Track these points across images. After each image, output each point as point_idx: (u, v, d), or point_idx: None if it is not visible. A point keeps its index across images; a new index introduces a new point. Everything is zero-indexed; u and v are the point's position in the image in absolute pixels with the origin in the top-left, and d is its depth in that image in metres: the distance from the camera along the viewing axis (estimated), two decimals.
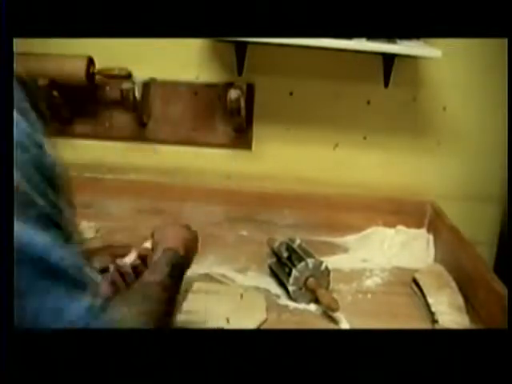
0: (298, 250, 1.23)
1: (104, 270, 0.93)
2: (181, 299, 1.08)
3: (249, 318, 1.09)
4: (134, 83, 1.43)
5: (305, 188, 1.53)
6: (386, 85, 1.47)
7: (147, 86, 1.47)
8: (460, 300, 1.17)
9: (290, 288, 1.18)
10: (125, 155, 1.54)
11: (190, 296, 1.14)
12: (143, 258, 0.96)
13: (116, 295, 0.73)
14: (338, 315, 1.12)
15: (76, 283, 0.57)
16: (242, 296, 1.16)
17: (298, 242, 1.27)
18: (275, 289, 1.23)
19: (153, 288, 0.76)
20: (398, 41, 1.31)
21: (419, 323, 1.12)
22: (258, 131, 1.53)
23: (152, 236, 0.99)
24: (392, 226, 1.49)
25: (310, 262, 1.18)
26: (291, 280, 1.17)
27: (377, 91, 1.49)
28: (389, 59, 1.43)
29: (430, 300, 1.16)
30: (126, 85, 1.41)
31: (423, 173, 1.56)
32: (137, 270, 0.94)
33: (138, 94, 1.45)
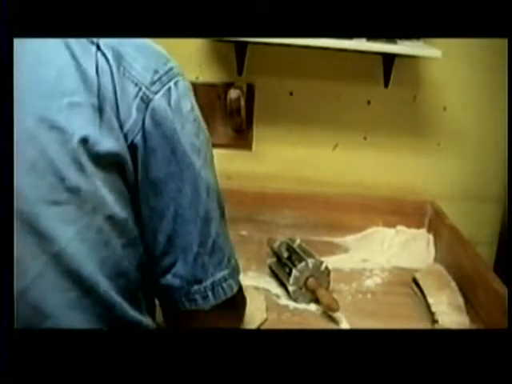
0: (298, 250, 1.23)
1: None
2: None
3: (249, 318, 1.09)
4: None
5: (305, 188, 1.53)
6: (386, 85, 1.47)
7: None
8: (460, 300, 1.17)
9: (290, 288, 1.17)
10: None
11: None
12: None
13: None
14: (338, 315, 1.12)
15: None
16: None
17: (297, 242, 1.27)
18: (275, 289, 1.23)
19: None
20: (398, 41, 1.31)
21: (419, 323, 1.12)
22: (258, 131, 1.53)
23: None
24: (392, 226, 1.48)
25: (310, 262, 1.18)
26: (291, 280, 1.17)
27: (377, 91, 1.49)
28: (389, 59, 1.43)
29: (430, 300, 1.16)
30: None
31: (423, 173, 1.56)
32: None
33: None
